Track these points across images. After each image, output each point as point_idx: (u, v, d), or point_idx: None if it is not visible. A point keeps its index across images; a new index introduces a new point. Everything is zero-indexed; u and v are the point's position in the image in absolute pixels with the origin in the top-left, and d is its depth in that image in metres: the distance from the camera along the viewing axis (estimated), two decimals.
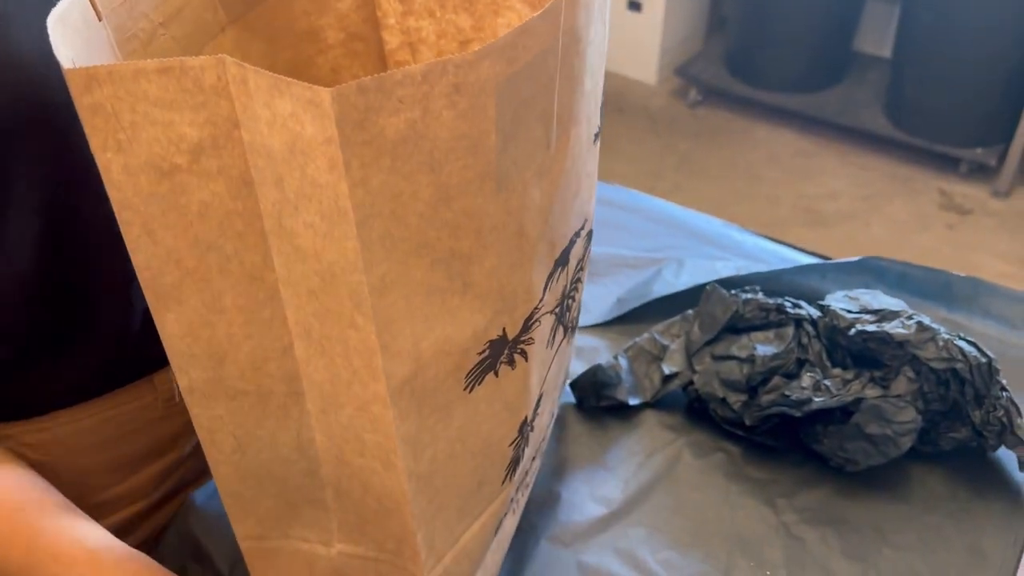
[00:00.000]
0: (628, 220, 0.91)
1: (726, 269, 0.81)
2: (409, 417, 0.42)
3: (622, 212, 0.91)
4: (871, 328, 0.65)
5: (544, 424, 0.58)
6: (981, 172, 2.21)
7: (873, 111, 2.32)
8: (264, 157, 0.36)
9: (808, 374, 0.66)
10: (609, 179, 0.93)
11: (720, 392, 0.67)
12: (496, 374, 0.46)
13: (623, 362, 0.72)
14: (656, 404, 0.72)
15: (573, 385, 0.71)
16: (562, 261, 0.49)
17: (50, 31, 0.37)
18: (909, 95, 2.22)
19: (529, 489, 0.61)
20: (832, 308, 0.68)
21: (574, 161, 0.46)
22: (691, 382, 0.70)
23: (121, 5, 0.45)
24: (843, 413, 0.65)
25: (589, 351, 0.76)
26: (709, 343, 0.70)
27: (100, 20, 0.44)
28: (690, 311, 0.75)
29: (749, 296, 0.71)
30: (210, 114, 0.36)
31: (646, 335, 0.74)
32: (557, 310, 0.52)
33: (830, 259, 0.84)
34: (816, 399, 0.64)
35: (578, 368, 0.74)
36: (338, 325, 0.40)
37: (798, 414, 0.64)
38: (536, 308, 0.47)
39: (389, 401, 0.41)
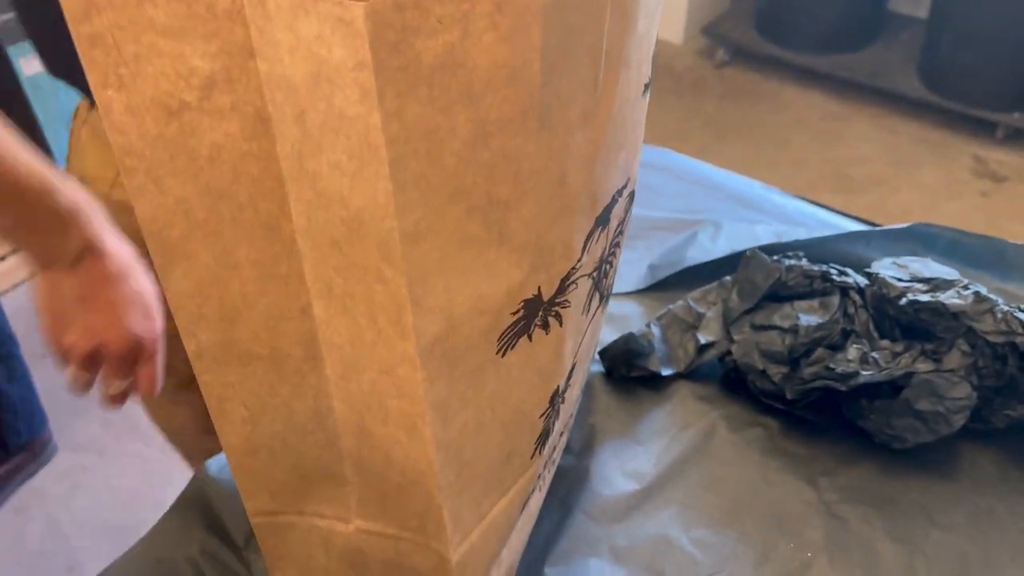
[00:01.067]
0: (660, 180, 0.86)
1: (766, 234, 0.77)
2: (439, 380, 0.39)
3: (654, 171, 0.87)
4: (924, 298, 0.61)
5: (574, 397, 0.55)
6: (1018, 138, 2.14)
7: (907, 73, 2.25)
8: (283, 90, 0.33)
9: (855, 346, 0.62)
10: None
11: (760, 363, 0.64)
12: (530, 338, 0.43)
13: (656, 330, 0.69)
14: (689, 375, 0.68)
15: (603, 353, 0.68)
16: (603, 220, 0.46)
17: None
18: (945, 57, 2.15)
19: (555, 465, 0.57)
20: (881, 276, 0.64)
21: (621, 107, 0.42)
22: (728, 352, 0.66)
23: None
24: (890, 388, 0.61)
25: (620, 318, 0.72)
26: (749, 311, 0.66)
27: None
28: (728, 277, 0.71)
29: (792, 263, 0.67)
30: (223, 43, 0.32)
31: (680, 302, 0.70)
32: (595, 274, 0.48)
33: (876, 225, 0.80)
34: (863, 373, 0.60)
35: (608, 336, 0.70)
36: (363, 280, 0.36)
37: (843, 388, 0.61)
38: (574, 268, 0.44)
39: (419, 362, 0.37)
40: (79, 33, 0.32)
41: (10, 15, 1.67)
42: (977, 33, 2.06)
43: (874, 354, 0.61)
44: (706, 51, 2.52)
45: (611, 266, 0.52)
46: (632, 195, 0.52)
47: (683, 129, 2.27)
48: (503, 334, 0.41)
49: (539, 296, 0.41)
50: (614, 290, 0.76)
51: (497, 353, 0.41)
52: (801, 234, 0.76)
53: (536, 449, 0.49)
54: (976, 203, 2.01)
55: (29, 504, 1.48)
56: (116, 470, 1.52)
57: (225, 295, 0.38)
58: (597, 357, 0.69)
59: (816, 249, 0.74)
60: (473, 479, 0.45)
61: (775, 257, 0.68)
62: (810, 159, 2.16)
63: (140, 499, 1.48)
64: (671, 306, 0.70)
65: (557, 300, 0.43)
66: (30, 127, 1.72)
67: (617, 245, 0.52)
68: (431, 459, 0.41)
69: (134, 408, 1.61)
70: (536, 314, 0.42)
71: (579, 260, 0.44)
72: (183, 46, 0.32)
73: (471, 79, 0.32)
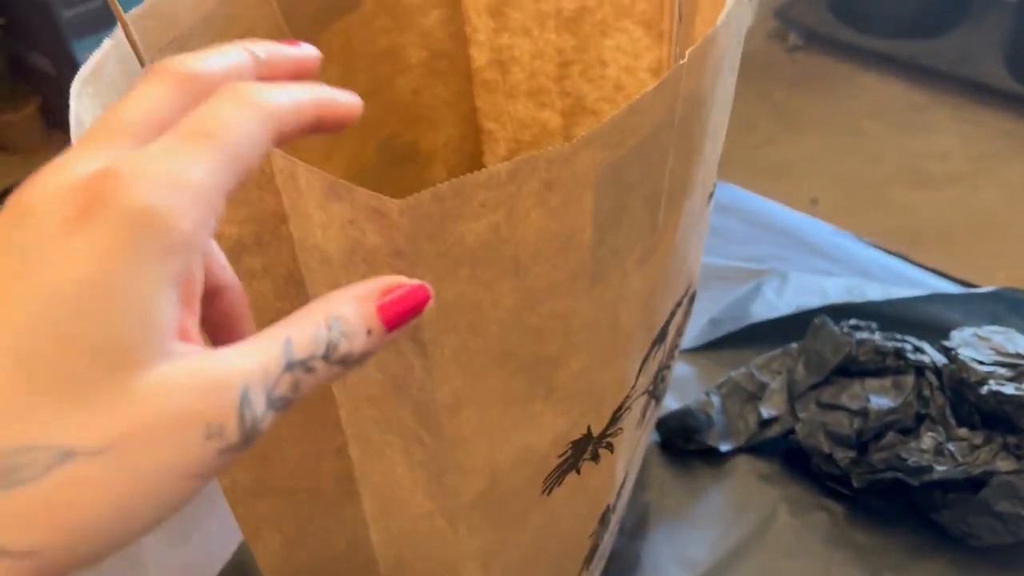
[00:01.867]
0: (724, 222, 0.82)
1: (835, 289, 0.72)
2: (480, 531, 0.37)
3: (718, 212, 0.83)
4: (1008, 390, 0.56)
5: (626, 498, 0.52)
6: None
7: (992, 61, 2.13)
8: (317, 259, 0.31)
9: (929, 434, 0.58)
10: None
11: (826, 446, 0.60)
12: (578, 472, 0.40)
13: (715, 400, 0.66)
14: (750, 449, 0.65)
15: (659, 424, 0.65)
16: (659, 339, 0.43)
17: (74, 95, 0.32)
18: None
19: (604, 560, 0.55)
20: (961, 358, 0.59)
21: (684, 234, 0.39)
22: (792, 430, 0.63)
23: (169, 45, 0.39)
24: (968, 479, 0.57)
25: (678, 381, 0.69)
26: (815, 386, 0.63)
27: (143, 67, 0.38)
28: (794, 344, 0.67)
29: (864, 336, 0.63)
30: (252, 210, 0.30)
31: (743, 369, 0.67)
32: (650, 387, 0.45)
33: (957, 280, 0.75)
34: (937, 468, 0.56)
35: (665, 398, 0.67)
36: (400, 437, 0.34)
37: (915, 483, 0.57)
38: (627, 397, 0.41)
39: (460, 517, 0.35)
40: None
41: (78, 9, 1.68)
42: None
43: (950, 445, 0.57)
44: (777, 34, 2.43)
45: (669, 368, 0.49)
46: (694, 295, 0.49)
47: (750, 117, 2.19)
48: (549, 475, 0.38)
49: (588, 434, 0.39)
50: None
51: (542, 494, 0.39)
52: (874, 289, 0.72)
53: (584, 566, 0.47)
54: None
55: None
56: None
57: (253, 447, 0.37)
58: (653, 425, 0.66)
59: (887, 308, 0.70)
60: None
61: (846, 327, 0.64)
62: (885, 152, 2.07)
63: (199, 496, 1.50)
64: (732, 373, 0.67)
65: (608, 432, 0.41)
66: None
67: (676, 347, 0.49)
68: None
69: None
70: (585, 451, 0.40)
71: (633, 387, 0.41)
72: None
73: (517, 253, 0.29)
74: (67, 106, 0.31)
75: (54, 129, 1.82)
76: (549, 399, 0.35)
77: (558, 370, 0.34)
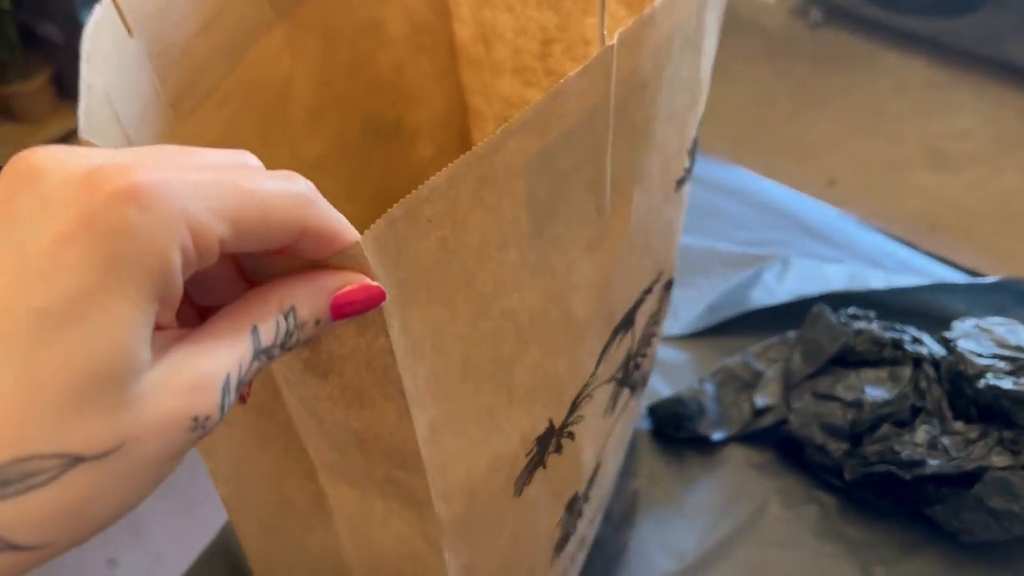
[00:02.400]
0: (726, 205, 0.81)
1: (838, 276, 0.71)
2: (462, 548, 0.36)
3: (719, 195, 0.81)
4: (1006, 384, 0.55)
5: (605, 488, 0.51)
6: None
7: (1017, 41, 2.08)
8: None
9: (924, 427, 0.57)
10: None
11: (819, 438, 0.59)
12: (545, 466, 0.40)
13: (709, 388, 0.64)
14: (743, 438, 0.64)
15: (651, 411, 0.64)
16: (624, 326, 0.42)
17: (84, 60, 0.30)
18: None
19: (588, 548, 0.54)
20: (959, 350, 0.58)
21: (643, 218, 0.38)
22: (786, 420, 0.61)
23: (153, 16, 0.38)
24: (962, 474, 0.56)
25: (672, 367, 0.68)
26: (811, 376, 0.61)
27: (131, 36, 0.37)
28: (791, 333, 0.65)
29: (862, 326, 0.61)
30: None
31: (738, 357, 0.66)
32: (619, 375, 0.44)
33: (964, 269, 0.73)
34: (930, 462, 0.55)
35: (658, 384, 0.66)
36: (370, 477, 0.33)
37: (907, 477, 0.55)
38: (586, 385, 0.40)
39: (442, 541, 0.34)
40: None
41: None
42: None
43: (944, 439, 0.56)
44: (799, 10, 2.38)
45: (645, 356, 0.48)
46: (670, 283, 0.47)
47: (771, 94, 2.15)
48: (519, 477, 0.37)
49: (551, 427, 0.38)
50: (670, 333, 0.71)
51: (515, 496, 0.38)
52: (876, 278, 0.70)
53: (556, 553, 0.46)
54: None
55: None
56: None
57: (230, 440, 0.36)
58: (645, 413, 0.65)
59: (892, 298, 0.68)
60: None
61: (843, 318, 0.63)
62: (906, 131, 2.03)
63: (199, 463, 1.51)
64: (727, 361, 0.66)
65: (568, 421, 0.40)
66: None
67: (653, 335, 0.48)
68: None
69: None
70: (549, 444, 0.39)
71: (592, 375, 0.40)
72: None
73: (465, 261, 0.28)
74: (79, 76, 0.30)
75: (65, 99, 1.82)
76: (512, 402, 0.34)
77: (514, 369, 0.33)
